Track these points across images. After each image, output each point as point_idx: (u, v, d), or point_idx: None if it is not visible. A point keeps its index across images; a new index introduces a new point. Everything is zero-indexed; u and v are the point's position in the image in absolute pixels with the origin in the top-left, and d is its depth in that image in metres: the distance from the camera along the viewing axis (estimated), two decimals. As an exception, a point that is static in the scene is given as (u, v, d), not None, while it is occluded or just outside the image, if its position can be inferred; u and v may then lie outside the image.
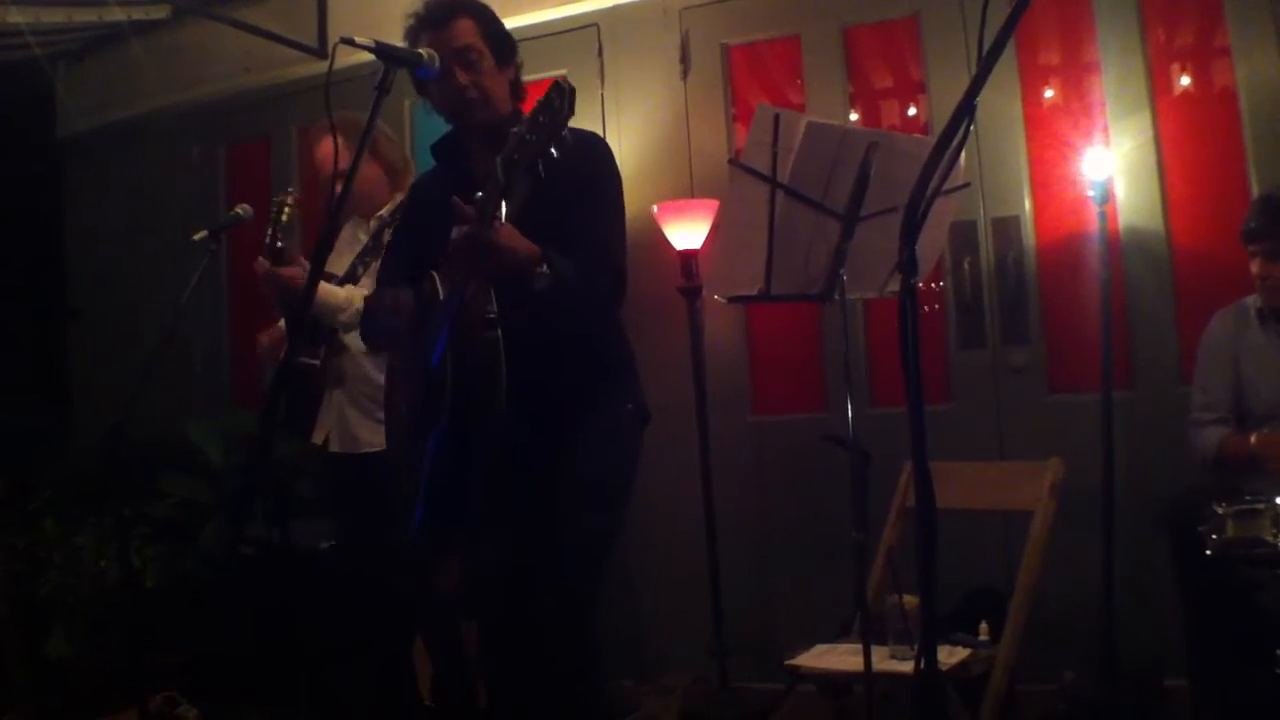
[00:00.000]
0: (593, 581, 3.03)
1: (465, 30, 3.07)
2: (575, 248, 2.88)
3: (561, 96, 2.56)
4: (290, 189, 4.27)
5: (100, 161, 6.87)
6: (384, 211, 4.30)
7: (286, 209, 4.10)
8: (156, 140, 6.70)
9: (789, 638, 4.44)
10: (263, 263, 3.96)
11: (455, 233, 2.70)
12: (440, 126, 3.34)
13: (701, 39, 5.58)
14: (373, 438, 4.15)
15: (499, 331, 2.77)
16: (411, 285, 3.08)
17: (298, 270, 3.92)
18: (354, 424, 4.21)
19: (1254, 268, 4.09)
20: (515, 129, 2.61)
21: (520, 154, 2.58)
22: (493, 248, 2.66)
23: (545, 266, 2.74)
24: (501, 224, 2.65)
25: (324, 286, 4.01)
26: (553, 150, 2.56)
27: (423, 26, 3.09)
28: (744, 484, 5.33)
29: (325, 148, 4.21)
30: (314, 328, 4.09)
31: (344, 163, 4.13)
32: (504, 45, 3.15)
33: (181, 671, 5.09)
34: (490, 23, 3.14)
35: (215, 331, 6.45)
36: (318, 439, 4.28)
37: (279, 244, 4.03)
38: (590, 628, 3.02)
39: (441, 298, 2.91)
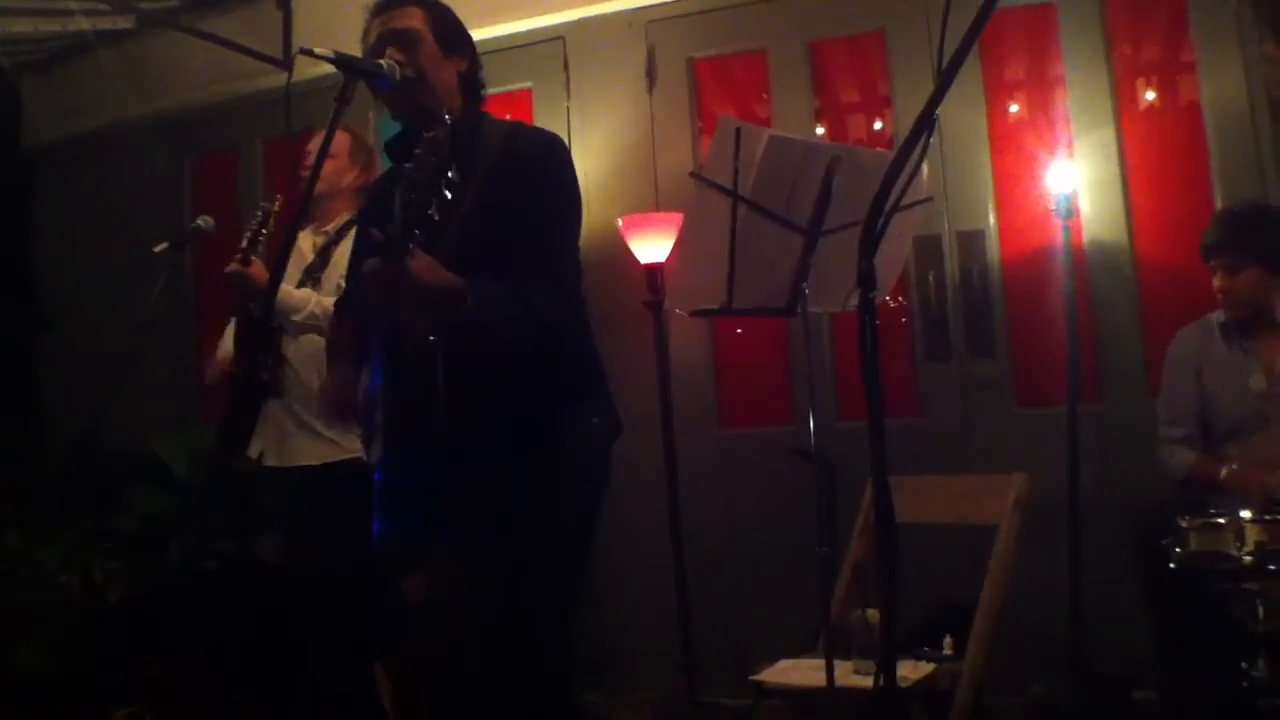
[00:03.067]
0: (565, 605, 2.96)
1: (409, 15, 3.02)
2: (524, 258, 2.85)
3: (444, 129, 2.54)
4: (278, 195, 4.21)
5: (68, 172, 6.83)
6: (330, 227, 4.30)
7: (273, 216, 4.08)
8: (124, 150, 6.67)
9: (758, 651, 4.44)
10: (235, 265, 3.95)
11: (366, 266, 2.66)
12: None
13: (668, 52, 5.58)
14: (309, 448, 4.13)
15: (438, 355, 2.71)
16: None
17: (263, 269, 3.92)
18: (291, 437, 4.18)
19: (1215, 282, 4.14)
20: (406, 164, 2.57)
21: (414, 191, 2.54)
22: (403, 281, 2.58)
23: (472, 301, 2.68)
24: (414, 256, 2.57)
25: (283, 288, 4.01)
26: (445, 190, 2.52)
27: (372, 16, 3.06)
28: (712, 498, 5.31)
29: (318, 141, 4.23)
30: (264, 340, 4.06)
31: (340, 150, 4.18)
32: (453, 36, 3.08)
33: (147, 686, 5.05)
34: (441, 15, 3.08)
35: (182, 343, 6.40)
36: (253, 452, 4.25)
37: (259, 244, 4.01)
38: (564, 651, 2.98)
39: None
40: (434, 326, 2.71)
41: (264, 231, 4.05)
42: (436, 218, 2.54)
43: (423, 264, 2.60)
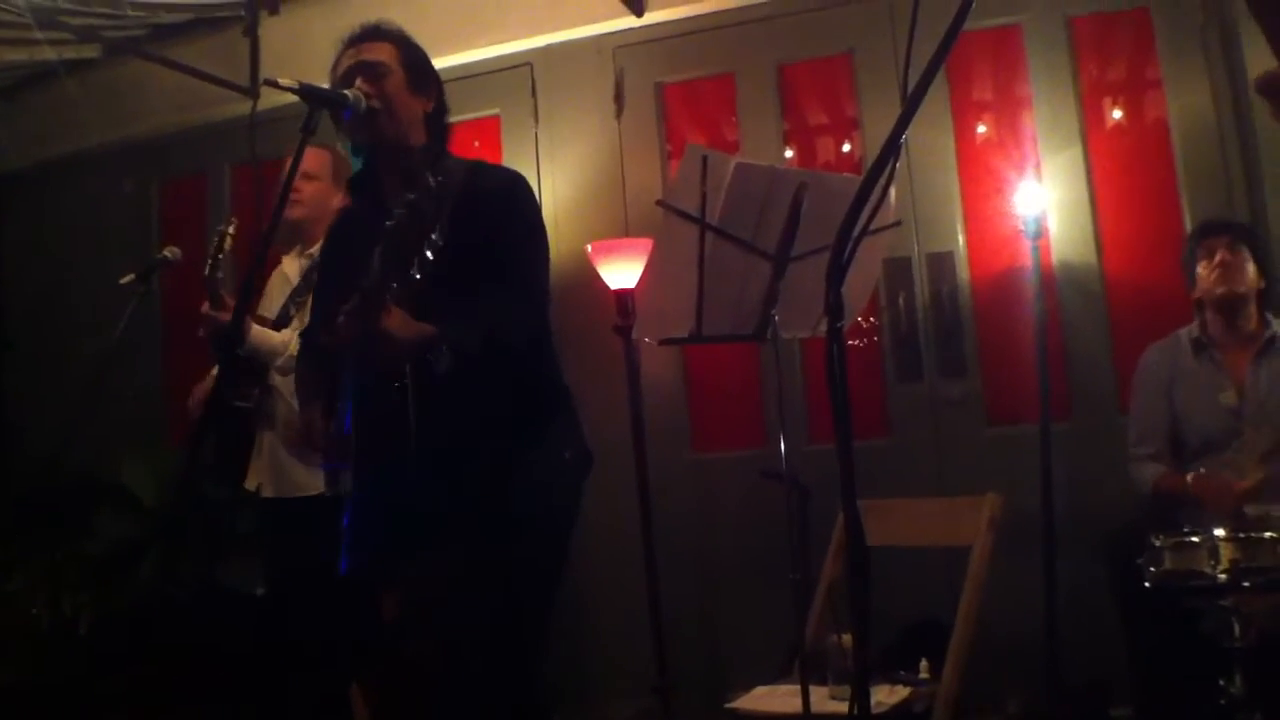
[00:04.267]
0: (530, 643, 2.97)
1: (379, 49, 3.05)
2: (489, 298, 2.86)
3: (428, 192, 2.55)
4: (233, 218, 4.17)
5: (34, 198, 6.79)
6: (314, 250, 4.26)
7: (229, 239, 4.04)
8: (91, 176, 6.63)
9: (732, 674, 4.44)
10: (208, 310, 3.92)
11: (340, 317, 2.66)
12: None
13: (636, 77, 5.58)
14: (308, 481, 4.09)
15: (409, 398, 2.73)
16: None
17: (227, 313, 3.87)
18: (289, 468, 4.14)
19: (1218, 257, 4.19)
20: (388, 223, 2.58)
21: (396, 251, 2.56)
22: (378, 337, 2.61)
23: (445, 346, 2.70)
24: (388, 311, 2.60)
25: (261, 331, 4.01)
26: (428, 252, 2.54)
27: (343, 49, 3.09)
28: (684, 521, 5.29)
29: (309, 160, 4.15)
30: (247, 369, 4.04)
31: (313, 165, 4.14)
32: (421, 74, 3.11)
33: (115, 715, 5.01)
34: (411, 51, 3.12)
35: (150, 370, 6.35)
36: (250, 485, 4.22)
37: (219, 274, 3.97)
38: (531, 672, 2.98)
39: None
40: (403, 372, 2.72)
41: (220, 255, 4.01)
42: (418, 276, 2.55)
43: (395, 320, 2.62)
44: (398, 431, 2.74)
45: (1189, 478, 3.99)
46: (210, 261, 3.98)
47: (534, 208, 3.14)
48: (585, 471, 3.11)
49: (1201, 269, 4.22)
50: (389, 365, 2.72)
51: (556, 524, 3.05)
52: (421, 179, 2.59)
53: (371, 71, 3.00)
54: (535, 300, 3.01)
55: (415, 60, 3.11)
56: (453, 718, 2.94)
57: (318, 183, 4.23)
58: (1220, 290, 4.19)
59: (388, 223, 2.58)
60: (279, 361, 4.01)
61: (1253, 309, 4.20)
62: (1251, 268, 4.18)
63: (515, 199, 3.08)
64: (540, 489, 2.96)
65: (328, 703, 4.12)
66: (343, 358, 2.91)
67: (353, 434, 2.89)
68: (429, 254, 2.54)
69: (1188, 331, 4.28)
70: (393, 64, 3.04)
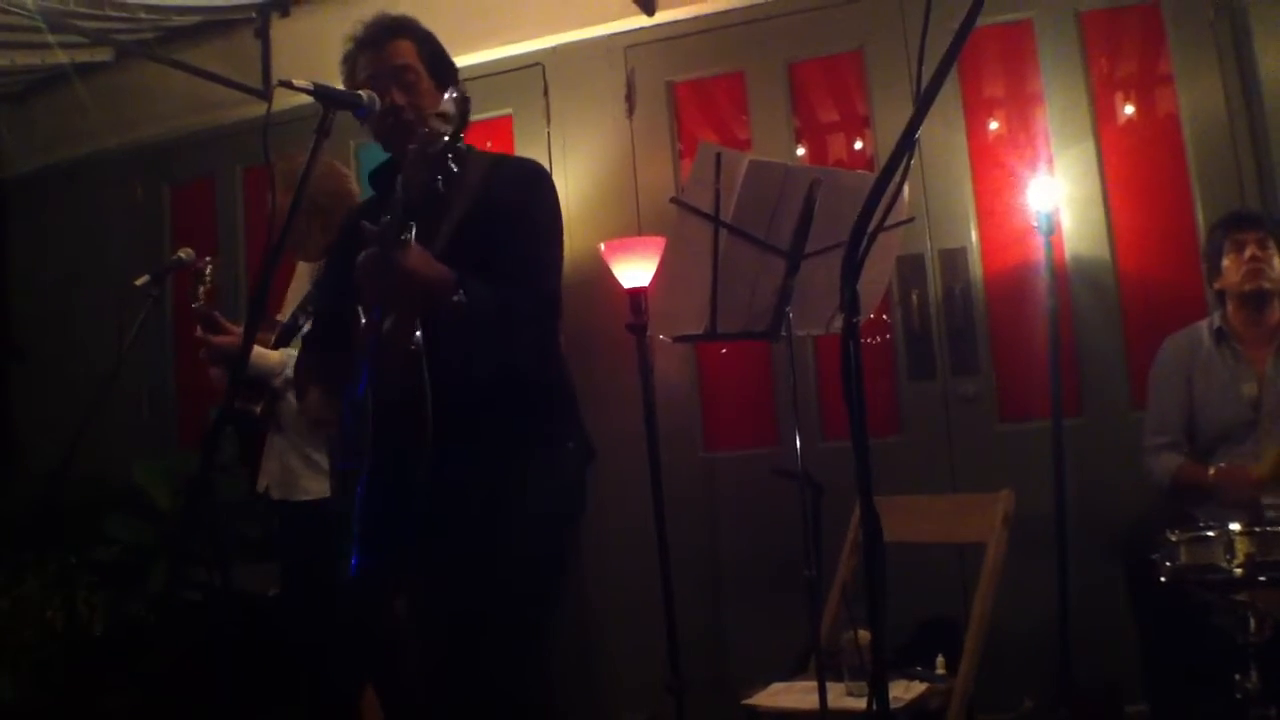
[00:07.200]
0: (534, 635, 2.95)
1: (403, 50, 3.03)
2: (503, 270, 2.85)
3: (455, 106, 2.54)
4: (208, 257, 4.10)
5: (44, 203, 6.81)
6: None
7: (207, 277, 4.01)
8: (101, 181, 6.64)
9: (746, 674, 4.42)
10: (201, 333, 3.91)
11: (360, 258, 2.66)
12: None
13: (647, 76, 5.59)
14: (313, 485, 4.10)
15: (424, 364, 2.69)
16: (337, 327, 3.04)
17: (230, 337, 3.86)
18: (295, 471, 4.16)
19: (1247, 252, 4.18)
20: (411, 147, 2.58)
21: (417, 172, 2.55)
22: (398, 270, 2.59)
23: (460, 293, 2.68)
24: (409, 246, 2.59)
25: (258, 351, 3.98)
26: (450, 164, 2.53)
27: (360, 49, 3.05)
28: (697, 520, 5.29)
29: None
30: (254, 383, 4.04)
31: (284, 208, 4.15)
32: (443, 68, 3.10)
33: (126, 718, 5.02)
34: (429, 44, 3.10)
35: (161, 374, 6.37)
36: (260, 486, 4.23)
37: (203, 308, 3.94)
38: (537, 677, 2.98)
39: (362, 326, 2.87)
40: (418, 328, 2.70)
41: (202, 287, 3.98)
42: (430, 218, 2.58)
43: (415, 255, 2.61)
44: (405, 427, 2.73)
45: (1210, 471, 3.98)
46: (197, 296, 3.96)
47: (554, 202, 3.10)
48: (587, 463, 3.12)
49: (1229, 262, 4.21)
50: (409, 305, 2.69)
51: (562, 516, 3.06)
52: (420, 135, 2.58)
53: (402, 80, 2.99)
54: (547, 291, 2.99)
55: (435, 52, 3.10)
56: (464, 716, 2.94)
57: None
58: (1250, 286, 4.19)
59: (410, 147, 2.59)
60: (277, 382, 4.01)
61: (1276, 302, 4.20)
62: (1278, 262, 4.18)
63: (535, 191, 3.05)
64: (546, 481, 2.96)
65: (339, 707, 4.14)
66: (350, 362, 2.91)
67: (357, 426, 2.89)
68: (451, 165, 2.53)
69: (1208, 322, 4.28)
70: (417, 65, 3.02)
